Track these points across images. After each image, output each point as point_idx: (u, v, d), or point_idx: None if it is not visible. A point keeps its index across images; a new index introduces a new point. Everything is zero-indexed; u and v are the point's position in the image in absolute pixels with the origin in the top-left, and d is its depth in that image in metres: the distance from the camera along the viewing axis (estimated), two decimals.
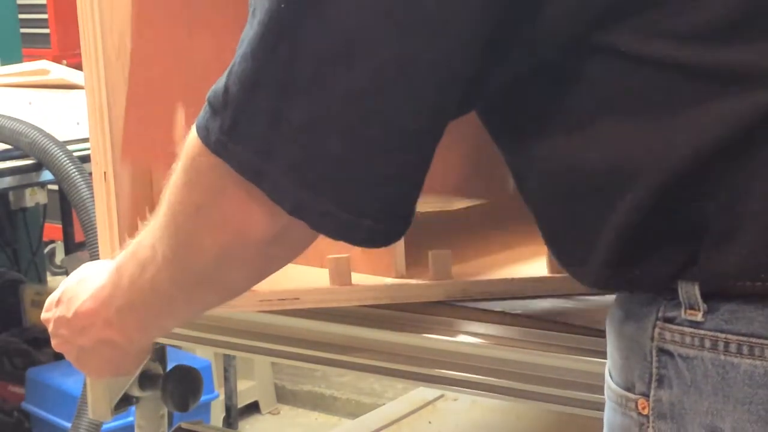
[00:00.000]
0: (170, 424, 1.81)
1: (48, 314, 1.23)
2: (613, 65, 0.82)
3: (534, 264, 1.39)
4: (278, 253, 0.96)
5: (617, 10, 0.81)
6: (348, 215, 0.86)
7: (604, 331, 1.20)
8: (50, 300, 1.23)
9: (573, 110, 0.85)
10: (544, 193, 0.90)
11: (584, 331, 1.22)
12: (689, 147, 0.80)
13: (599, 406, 1.21)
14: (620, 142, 0.83)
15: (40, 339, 3.54)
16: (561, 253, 0.93)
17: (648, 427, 0.87)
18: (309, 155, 0.84)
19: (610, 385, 0.92)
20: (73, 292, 1.18)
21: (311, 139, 0.84)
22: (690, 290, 0.83)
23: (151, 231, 1.01)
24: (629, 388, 0.89)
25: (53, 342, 1.23)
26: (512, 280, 1.35)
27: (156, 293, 1.05)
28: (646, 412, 0.87)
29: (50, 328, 1.22)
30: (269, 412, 4.02)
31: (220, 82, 0.87)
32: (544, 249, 1.37)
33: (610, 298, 1.31)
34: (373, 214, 0.86)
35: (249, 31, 0.85)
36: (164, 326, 1.16)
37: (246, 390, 3.88)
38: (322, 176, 0.85)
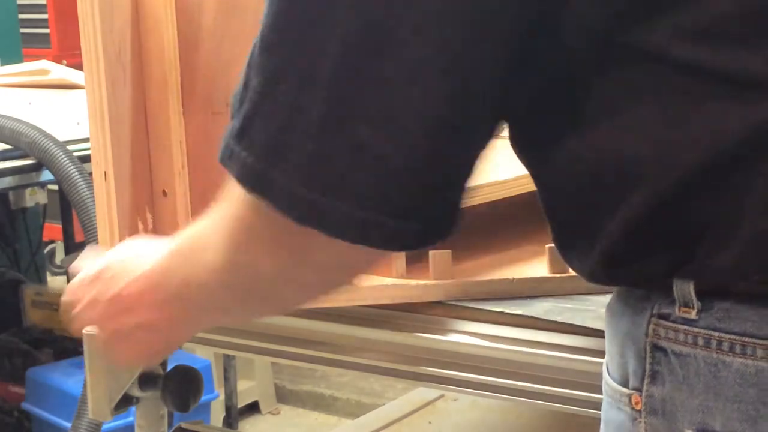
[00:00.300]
0: (170, 424, 1.81)
1: (78, 291, 1.14)
2: (632, 64, 0.81)
3: (534, 264, 1.39)
4: (338, 278, 0.93)
5: (639, 5, 0.80)
6: (370, 213, 0.81)
7: (603, 331, 1.21)
8: (83, 276, 1.14)
9: (587, 109, 0.84)
10: (553, 188, 0.90)
11: (584, 331, 1.22)
12: (700, 151, 0.80)
13: (599, 406, 1.22)
14: (631, 143, 0.82)
15: (40, 339, 3.54)
16: (563, 246, 0.93)
17: (640, 422, 0.87)
18: (327, 150, 0.80)
19: (607, 380, 0.93)
20: (117, 271, 1.10)
21: (330, 133, 0.80)
22: (685, 288, 0.83)
23: (210, 231, 0.94)
24: (624, 383, 0.89)
25: (76, 324, 1.16)
26: (512, 280, 1.35)
27: (209, 294, 0.99)
28: (639, 407, 0.87)
29: (78, 307, 1.14)
30: (269, 412, 4.02)
31: (240, 83, 0.84)
32: (544, 249, 1.37)
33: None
34: (396, 213, 0.82)
35: (267, 21, 0.82)
36: (213, 322, 1.13)
37: (246, 390, 3.88)
38: (341, 174, 0.80)
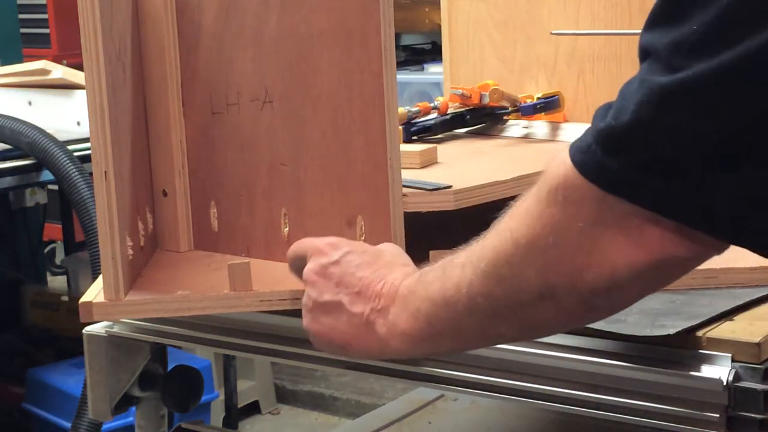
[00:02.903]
0: (170, 424, 1.81)
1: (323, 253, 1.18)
2: None
3: None
4: (600, 305, 0.97)
5: None
6: None
7: (603, 331, 1.21)
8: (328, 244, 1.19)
9: None
10: None
11: (584, 331, 1.22)
12: None
13: (599, 406, 1.21)
14: None
15: (40, 339, 3.54)
16: None
17: None
18: None
19: None
20: (370, 256, 1.16)
21: None
22: None
23: (469, 252, 1.03)
24: None
25: (313, 275, 1.18)
26: None
27: (448, 309, 1.04)
28: None
29: (321, 261, 1.18)
30: (269, 412, 4.02)
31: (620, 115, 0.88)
32: None
33: None
34: None
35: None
36: (434, 347, 1.13)
37: (246, 390, 3.88)
38: None
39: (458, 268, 1.04)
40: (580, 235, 0.92)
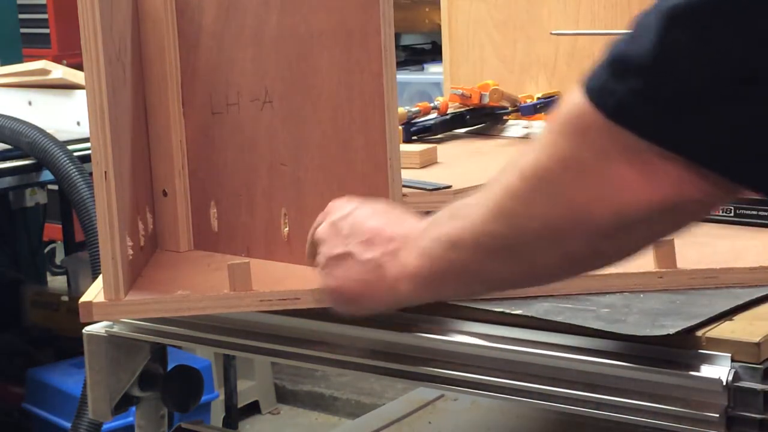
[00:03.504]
0: (170, 424, 1.81)
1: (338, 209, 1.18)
2: None
3: None
4: (605, 250, 0.93)
5: None
6: None
7: (603, 331, 1.21)
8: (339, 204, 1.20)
9: None
10: None
11: (584, 331, 1.22)
12: None
13: (599, 406, 1.21)
14: None
15: (40, 339, 3.54)
16: None
17: None
18: None
19: None
20: (382, 208, 1.16)
21: None
22: None
23: (482, 191, 0.99)
24: None
25: (326, 231, 1.17)
26: None
27: (453, 248, 1.01)
28: None
29: (334, 217, 1.17)
30: (269, 412, 4.02)
31: (631, 44, 0.85)
32: None
33: (610, 298, 1.31)
34: None
35: None
36: (438, 290, 1.10)
37: (246, 390, 3.88)
38: None
39: (468, 207, 1.01)
40: (586, 167, 0.88)
